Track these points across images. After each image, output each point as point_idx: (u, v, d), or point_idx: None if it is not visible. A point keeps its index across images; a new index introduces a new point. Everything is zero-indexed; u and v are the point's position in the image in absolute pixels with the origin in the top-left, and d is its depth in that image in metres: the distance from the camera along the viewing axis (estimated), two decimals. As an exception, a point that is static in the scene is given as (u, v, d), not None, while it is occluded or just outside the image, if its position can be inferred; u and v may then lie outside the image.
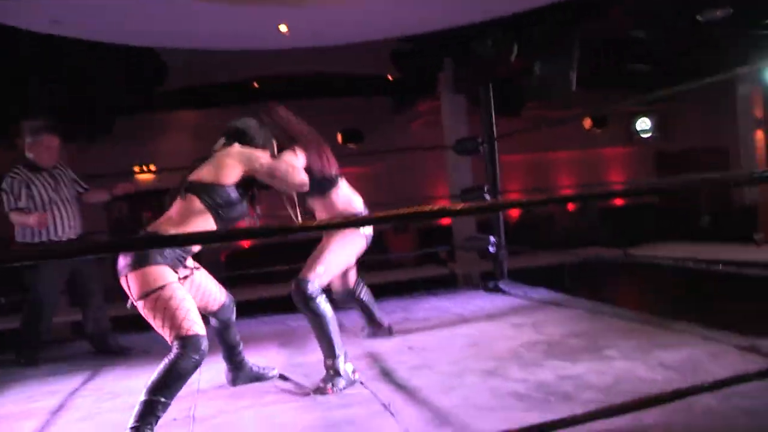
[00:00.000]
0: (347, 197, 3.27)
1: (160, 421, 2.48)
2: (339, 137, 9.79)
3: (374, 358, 3.42)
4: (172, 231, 2.52)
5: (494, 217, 5.47)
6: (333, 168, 3.17)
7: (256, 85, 8.48)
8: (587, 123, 10.29)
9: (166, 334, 2.43)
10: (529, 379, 2.84)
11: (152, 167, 9.29)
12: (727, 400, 2.35)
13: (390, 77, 8.47)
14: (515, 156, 10.43)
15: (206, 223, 2.59)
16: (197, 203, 2.59)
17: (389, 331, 3.87)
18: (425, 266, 9.18)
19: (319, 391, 2.86)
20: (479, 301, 4.84)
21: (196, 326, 2.43)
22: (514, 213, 11.27)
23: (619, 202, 12.00)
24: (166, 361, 2.36)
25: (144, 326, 2.64)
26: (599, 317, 3.99)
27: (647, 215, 10.58)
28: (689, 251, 6.44)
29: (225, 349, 3.08)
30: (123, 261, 2.46)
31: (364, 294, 3.75)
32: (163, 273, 2.44)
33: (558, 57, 6.21)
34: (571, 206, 11.23)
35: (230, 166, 2.65)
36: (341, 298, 3.65)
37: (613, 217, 11.22)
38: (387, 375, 3.08)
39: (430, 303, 5.03)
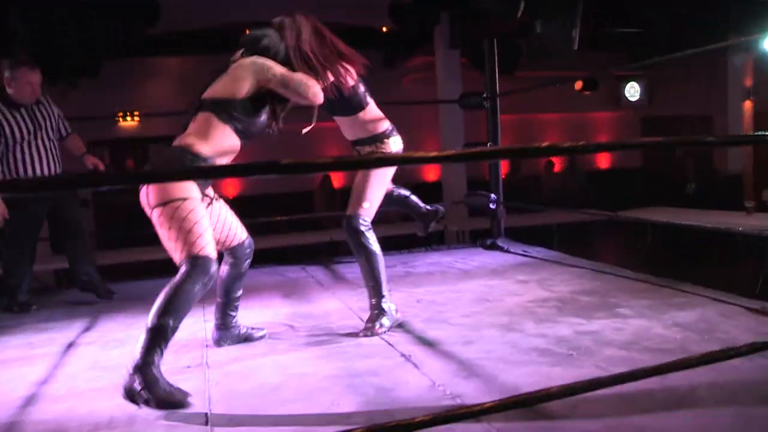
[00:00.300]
0: (376, 119, 3.09)
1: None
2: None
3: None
4: (199, 146, 2.38)
5: (493, 175, 5.43)
6: (360, 88, 3.01)
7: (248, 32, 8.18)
8: (578, 85, 10.22)
9: (176, 249, 2.25)
10: (547, 335, 2.82)
11: (136, 115, 9.00)
12: (750, 360, 2.35)
13: (385, 29, 8.27)
14: (504, 116, 10.32)
15: (228, 138, 2.47)
16: (214, 120, 2.43)
17: (440, 212, 3.57)
18: (412, 223, 9.13)
19: (368, 331, 2.88)
20: (480, 258, 4.82)
21: (209, 248, 2.26)
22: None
23: (605, 166, 12.05)
24: (172, 282, 2.19)
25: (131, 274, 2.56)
26: (604, 276, 3.99)
27: (633, 181, 10.65)
28: (679, 216, 6.47)
29: (222, 302, 2.82)
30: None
31: (401, 191, 3.50)
32: (187, 185, 2.29)
33: (561, 15, 6.08)
34: (557, 168, 11.25)
35: (242, 78, 2.48)
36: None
37: (598, 180, 11.28)
38: (401, 327, 3.03)
39: (430, 258, 5.00)
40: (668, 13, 8.61)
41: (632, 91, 11.45)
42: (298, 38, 2.72)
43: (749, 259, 6.08)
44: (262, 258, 5.07)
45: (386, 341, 2.83)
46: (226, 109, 2.44)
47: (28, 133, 3.82)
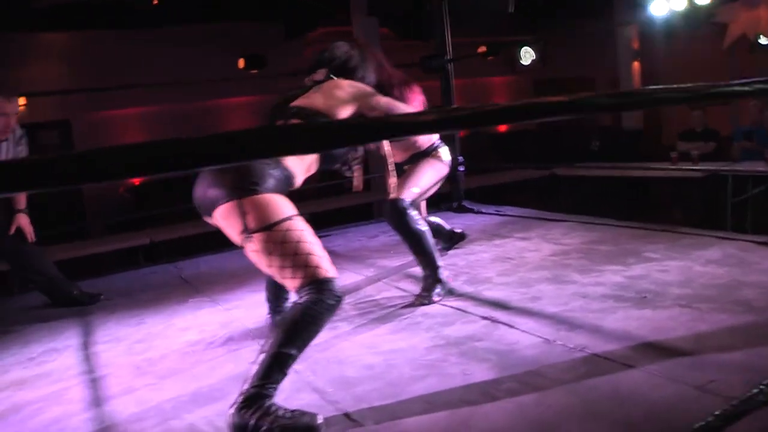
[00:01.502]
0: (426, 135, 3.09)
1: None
2: (241, 62, 9.10)
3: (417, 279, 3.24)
4: (290, 160, 2.05)
5: (453, 138, 5.39)
6: (422, 107, 3.04)
7: (155, 2, 7.57)
8: (481, 50, 10.40)
9: (294, 276, 1.86)
10: (602, 282, 2.84)
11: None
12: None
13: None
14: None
15: (315, 159, 2.18)
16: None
17: (463, 236, 3.84)
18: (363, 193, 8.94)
19: (425, 299, 2.79)
20: (459, 221, 4.76)
21: (330, 266, 1.91)
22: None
23: (503, 128, 12.40)
24: (299, 308, 1.83)
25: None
26: (596, 227, 4.08)
27: (538, 141, 11.07)
28: (616, 170, 6.79)
29: (275, 294, 2.53)
30: (217, 189, 1.93)
31: (432, 217, 3.70)
32: (284, 202, 1.95)
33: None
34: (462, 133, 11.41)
35: (344, 101, 2.25)
36: None
37: (499, 142, 11.62)
38: (451, 292, 2.92)
39: (393, 236, 4.88)
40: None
41: (527, 55, 11.82)
42: (380, 65, 2.69)
43: (682, 202, 6.51)
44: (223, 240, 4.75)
45: (450, 306, 2.72)
46: None
47: None
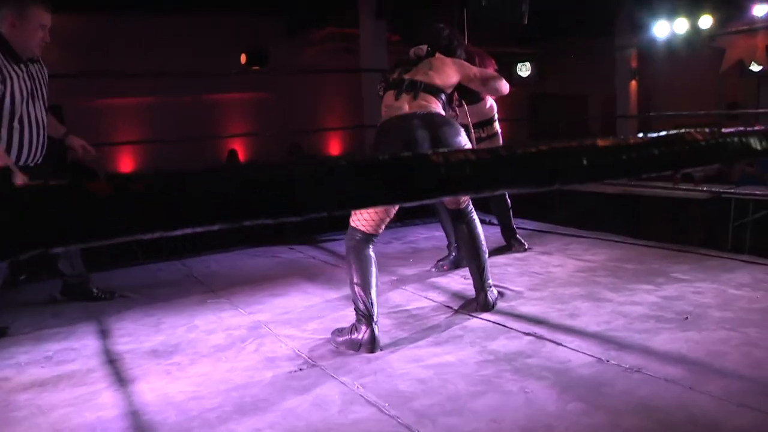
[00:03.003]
0: (492, 105, 3.76)
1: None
2: (243, 58, 8.97)
3: (452, 293, 3.17)
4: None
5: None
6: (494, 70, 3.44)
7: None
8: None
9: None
10: (638, 302, 2.79)
11: None
12: None
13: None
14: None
15: None
16: (435, 103, 2.73)
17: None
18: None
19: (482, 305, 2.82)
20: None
21: None
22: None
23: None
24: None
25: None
26: (616, 245, 4.04)
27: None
28: (624, 187, 6.79)
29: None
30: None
31: None
32: None
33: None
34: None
35: (451, 73, 2.83)
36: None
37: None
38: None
39: (417, 233, 4.81)
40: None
41: (524, 68, 11.86)
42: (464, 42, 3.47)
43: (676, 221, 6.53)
44: (229, 238, 4.62)
45: (488, 320, 2.65)
46: (440, 97, 2.77)
47: (25, 101, 2.79)
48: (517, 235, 4.02)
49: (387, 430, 1.71)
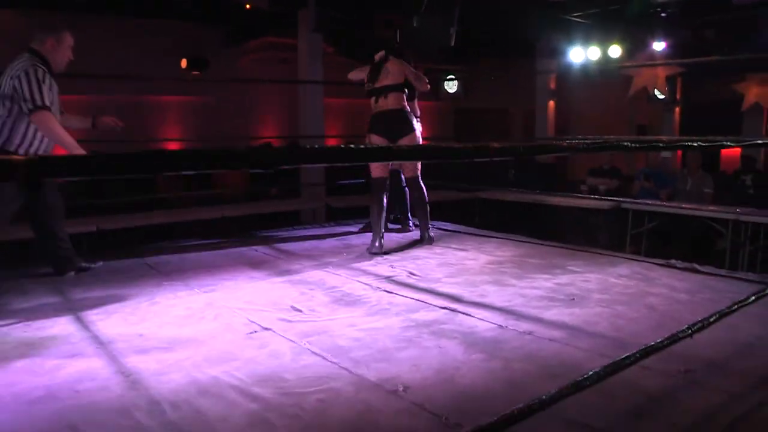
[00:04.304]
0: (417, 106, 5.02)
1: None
2: (184, 62, 9.23)
3: (381, 278, 3.65)
4: None
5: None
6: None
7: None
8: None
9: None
10: (537, 287, 3.35)
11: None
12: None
13: (248, 6, 8.19)
14: (331, 100, 10.70)
15: None
16: (398, 98, 4.42)
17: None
18: (261, 202, 9.17)
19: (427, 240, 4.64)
20: (397, 232, 5.21)
21: None
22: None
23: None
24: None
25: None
26: (524, 244, 4.64)
27: (459, 166, 11.72)
28: (542, 197, 7.43)
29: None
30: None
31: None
32: None
33: (439, 12, 6.69)
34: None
35: (403, 72, 4.43)
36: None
37: (430, 165, 12.20)
38: (409, 287, 3.35)
39: (348, 231, 5.28)
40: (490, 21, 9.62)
41: (451, 84, 12.56)
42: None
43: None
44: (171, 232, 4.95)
45: (412, 298, 3.14)
46: (402, 90, 4.42)
47: (56, 103, 3.45)
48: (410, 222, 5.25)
49: (331, 372, 2.17)
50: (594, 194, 7.48)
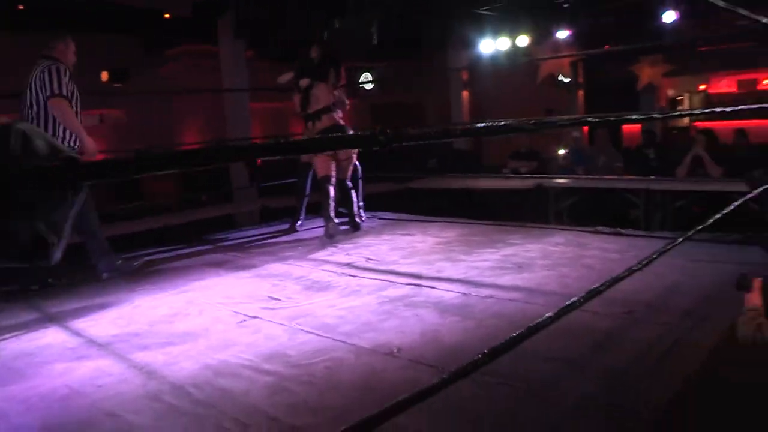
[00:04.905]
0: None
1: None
2: (104, 75, 9.11)
3: (342, 265, 3.92)
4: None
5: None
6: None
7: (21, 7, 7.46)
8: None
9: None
10: (486, 259, 3.72)
11: None
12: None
13: (168, 15, 8.21)
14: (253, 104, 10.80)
15: None
16: (329, 119, 4.81)
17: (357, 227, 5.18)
18: (198, 210, 9.20)
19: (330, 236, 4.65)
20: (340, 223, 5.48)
21: None
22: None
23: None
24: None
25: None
26: (464, 225, 5.02)
27: (384, 156, 12.07)
28: (477, 181, 7.86)
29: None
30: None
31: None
32: None
33: (362, 14, 7.01)
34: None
35: (328, 94, 4.85)
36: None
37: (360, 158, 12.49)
38: (372, 270, 3.64)
39: (304, 227, 5.50)
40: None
41: (365, 80, 12.90)
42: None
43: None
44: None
45: (377, 279, 3.43)
46: (330, 110, 4.88)
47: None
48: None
49: (328, 345, 2.43)
50: (517, 175, 7.99)
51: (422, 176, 8.58)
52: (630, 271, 2.31)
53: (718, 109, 3.12)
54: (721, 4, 2.67)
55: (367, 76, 13.09)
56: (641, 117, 5.15)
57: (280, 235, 5.21)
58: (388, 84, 13.18)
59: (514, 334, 1.75)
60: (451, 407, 1.81)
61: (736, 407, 1.82)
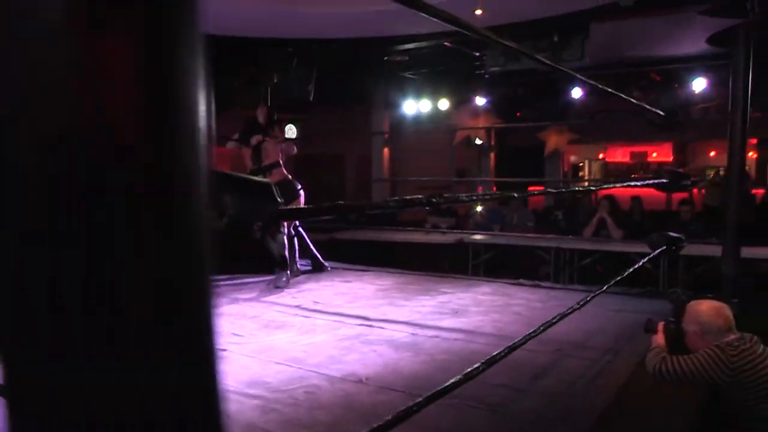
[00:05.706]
0: None
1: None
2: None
3: (292, 306, 4.19)
4: None
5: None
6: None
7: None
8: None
9: None
10: (425, 305, 4.12)
11: None
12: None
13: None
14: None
15: None
16: (278, 173, 5.25)
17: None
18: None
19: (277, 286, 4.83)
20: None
21: None
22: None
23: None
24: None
25: None
26: (397, 274, 5.41)
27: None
28: (374, 232, 8.29)
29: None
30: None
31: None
32: None
33: (298, 70, 7.44)
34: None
35: (277, 149, 5.29)
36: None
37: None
38: (319, 312, 3.94)
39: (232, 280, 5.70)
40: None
41: (290, 132, 13.27)
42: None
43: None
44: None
45: (329, 320, 3.74)
46: (277, 165, 5.31)
47: None
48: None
49: (302, 374, 2.72)
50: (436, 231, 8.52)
51: (346, 228, 8.94)
52: (561, 317, 2.76)
53: (632, 182, 3.69)
54: (610, 90, 3.27)
55: (291, 128, 13.48)
56: (583, 188, 5.72)
57: (224, 279, 5.40)
58: (312, 136, 13.62)
59: (477, 365, 2.12)
60: (426, 425, 2.14)
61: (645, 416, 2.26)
